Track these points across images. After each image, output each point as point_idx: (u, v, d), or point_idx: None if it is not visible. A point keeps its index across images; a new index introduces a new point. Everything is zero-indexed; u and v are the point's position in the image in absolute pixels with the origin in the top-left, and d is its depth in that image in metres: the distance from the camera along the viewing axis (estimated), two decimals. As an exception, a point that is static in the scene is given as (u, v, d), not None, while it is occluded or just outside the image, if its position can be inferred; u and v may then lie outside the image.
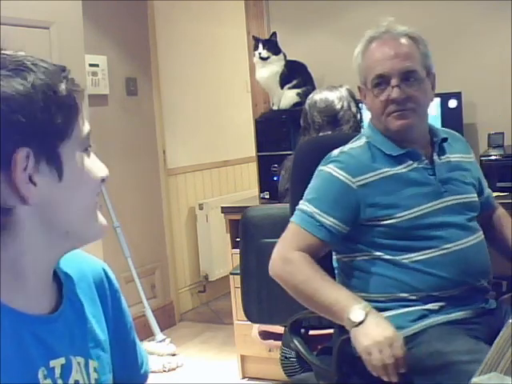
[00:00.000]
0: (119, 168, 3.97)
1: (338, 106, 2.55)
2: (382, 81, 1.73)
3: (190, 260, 4.67)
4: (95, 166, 0.98)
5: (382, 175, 1.73)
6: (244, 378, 3.35)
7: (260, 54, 3.35)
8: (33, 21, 3.12)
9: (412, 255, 1.70)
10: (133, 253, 3.85)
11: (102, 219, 0.96)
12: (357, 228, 1.73)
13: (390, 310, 1.69)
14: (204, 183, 4.83)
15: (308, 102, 2.64)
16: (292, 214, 1.81)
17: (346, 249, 1.79)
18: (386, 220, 1.70)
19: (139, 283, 3.84)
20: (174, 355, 3.67)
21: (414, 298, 1.69)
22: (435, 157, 1.79)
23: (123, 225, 3.82)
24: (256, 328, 2.91)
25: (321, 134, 2.55)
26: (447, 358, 1.55)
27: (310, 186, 1.78)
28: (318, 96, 2.60)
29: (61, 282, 0.97)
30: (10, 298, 0.87)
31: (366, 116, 3.10)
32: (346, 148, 1.81)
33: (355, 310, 1.55)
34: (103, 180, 0.99)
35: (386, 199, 1.71)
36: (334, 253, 1.85)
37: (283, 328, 2.46)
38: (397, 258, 1.70)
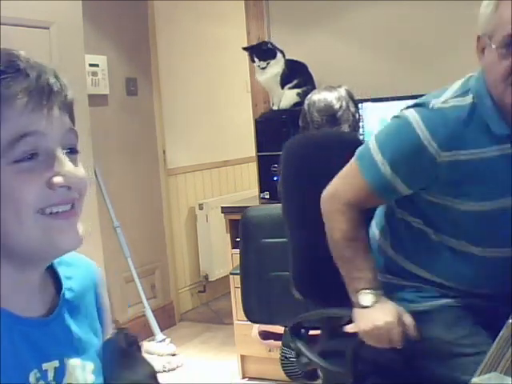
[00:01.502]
0: (119, 168, 3.97)
1: (337, 106, 2.55)
2: None
3: (190, 260, 4.67)
4: (29, 184, 0.83)
5: (474, 155, 1.49)
6: (244, 378, 3.35)
7: (259, 66, 3.36)
8: (33, 21, 3.12)
9: (467, 244, 1.58)
10: (133, 253, 3.85)
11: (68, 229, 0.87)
12: (422, 198, 1.58)
13: (406, 284, 1.66)
14: (204, 183, 4.83)
15: (307, 102, 2.64)
16: (284, 213, 1.79)
17: (405, 209, 1.67)
18: (459, 203, 1.53)
19: (139, 283, 3.84)
20: (174, 355, 3.67)
21: (440, 283, 1.62)
22: None
23: (123, 225, 3.82)
24: (256, 328, 2.92)
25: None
26: (446, 347, 1.55)
27: (390, 125, 1.59)
28: (317, 96, 2.60)
29: (59, 283, 0.95)
30: (3, 300, 0.85)
31: (365, 116, 3.13)
32: (448, 103, 1.52)
33: (366, 293, 1.56)
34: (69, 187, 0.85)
35: (469, 183, 1.50)
36: (397, 208, 1.70)
37: (283, 328, 2.46)
38: (449, 239, 1.59)
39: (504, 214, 1.52)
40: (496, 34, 1.44)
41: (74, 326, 0.95)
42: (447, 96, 1.54)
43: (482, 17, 1.49)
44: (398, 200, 1.65)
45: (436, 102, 1.53)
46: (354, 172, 1.61)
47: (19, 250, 0.85)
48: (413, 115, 1.52)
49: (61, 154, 0.85)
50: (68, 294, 0.96)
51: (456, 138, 1.48)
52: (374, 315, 1.54)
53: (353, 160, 1.62)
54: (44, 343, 0.88)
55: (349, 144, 1.95)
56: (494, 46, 1.44)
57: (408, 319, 1.54)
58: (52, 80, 0.85)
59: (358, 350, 1.65)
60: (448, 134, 1.48)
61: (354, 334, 1.67)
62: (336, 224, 1.63)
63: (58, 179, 0.83)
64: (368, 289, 1.57)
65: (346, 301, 1.78)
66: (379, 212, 1.77)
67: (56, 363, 0.89)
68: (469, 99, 1.51)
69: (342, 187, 1.63)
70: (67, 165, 0.85)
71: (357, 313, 1.58)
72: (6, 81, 0.81)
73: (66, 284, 0.96)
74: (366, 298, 1.56)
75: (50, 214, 0.84)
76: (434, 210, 1.58)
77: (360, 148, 1.63)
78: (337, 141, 2.04)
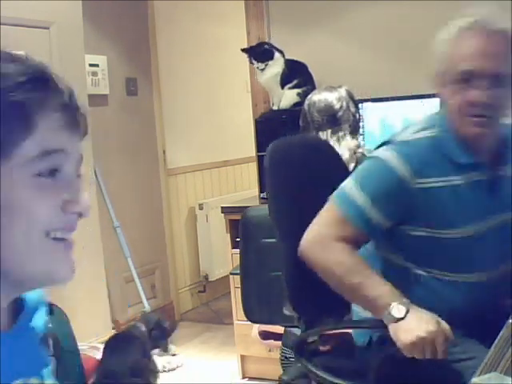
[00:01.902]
0: (119, 168, 3.97)
1: (337, 106, 2.56)
2: (466, 78, 1.53)
3: (190, 260, 4.67)
4: (43, 203, 0.78)
5: (444, 183, 1.59)
6: (244, 378, 3.35)
7: (257, 67, 3.37)
8: (33, 21, 3.12)
9: (439, 272, 1.63)
10: (133, 253, 3.85)
11: (65, 260, 0.82)
12: (396, 229, 1.64)
13: None
14: (204, 183, 4.83)
15: (307, 102, 2.65)
16: (272, 215, 1.78)
17: (385, 247, 1.71)
18: (433, 232, 1.60)
19: (139, 283, 3.84)
20: (174, 355, 3.67)
21: None
22: (498, 170, 1.64)
23: (123, 225, 3.82)
24: (256, 328, 2.92)
25: (320, 132, 2.56)
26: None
27: (365, 166, 1.66)
28: (317, 97, 2.61)
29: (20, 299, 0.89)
30: None
31: (365, 116, 3.13)
32: (415, 136, 1.63)
33: (396, 305, 1.50)
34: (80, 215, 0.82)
35: (442, 210, 1.59)
36: (377, 246, 1.75)
37: (283, 328, 2.47)
38: (423, 272, 1.64)
39: (482, 239, 1.59)
40: (450, 72, 1.55)
41: (34, 342, 0.89)
42: (415, 129, 1.64)
43: (438, 55, 1.59)
44: (379, 238, 1.68)
45: (405, 135, 1.64)
46: (333, 212, 1.63)
47: (16, 272, 0.80)
48: (387, 151, 1.60)
49: (78, 178, 0.83)
50: (27, 314, 0.89)
51: (427, 165, 1.57)
52: (413, 326, 1.47)
53: (329, 203, 1.64)
54: (9, 359, 0.81)
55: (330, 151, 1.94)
56: (449, 83, 1.56)
57: (445, 325, 1.49)
58: (79, 101, 0.83)
59: (382, 366, 1.59)
60: (420, 160, 1.57)
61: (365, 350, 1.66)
62: (332, 259, 1.60)
63: (74, 204, 0.81)
64: (396, 300, 1.52)
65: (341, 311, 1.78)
66: (361, 251, 1.76)
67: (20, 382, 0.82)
68: (434, 133, 1.62)
69: (324, 229, 1.63)
70: (82, 191, 0.82)
71: (393, 327, 1.50)
72: (40, 92, 0.79)
73: (27, 301, 0.90)
74: (397, 309, 1.50)
75: (53, 238, 0.80)
76: (414, 243, 1.63)
77: (335, 192, 1.65)
78: (323, 146, 2.03)
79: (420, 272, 1.64)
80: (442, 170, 1.59)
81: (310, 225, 1.64)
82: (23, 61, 0.81)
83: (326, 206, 1.65)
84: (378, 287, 1.55)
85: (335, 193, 1.64)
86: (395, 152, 1.59)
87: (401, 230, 1.63)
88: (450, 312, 1.58)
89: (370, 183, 1.61)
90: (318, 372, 1.74)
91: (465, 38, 1.55)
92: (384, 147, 1.63)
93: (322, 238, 1.62)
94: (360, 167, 1.67)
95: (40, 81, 0.79)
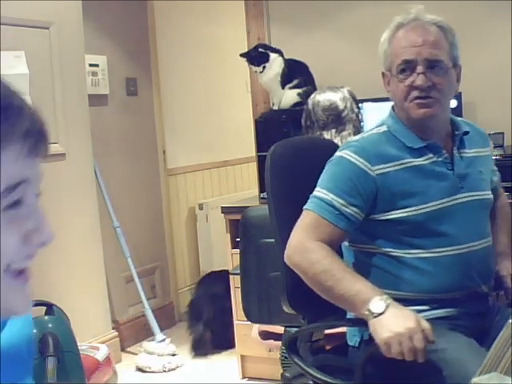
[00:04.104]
0: (119, 168, 3.97)
1: (342, 106, 2.58)
2: (407, 67, 1.71)
3: (189, 260, 4.67)
4: None
5: (401, 166, 1.70)
6: (244, 378, 3.35)
7: (256, 71, 3.38)
8: (33, 21, 3.12)
9: (421, 251, 1.68)
10: (133, 253, 3.85)
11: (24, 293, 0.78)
12: (368, 220, 1.70)
13: None
14: (204, 183, 4.83)
15: (310, 101, 2.65)
16: (274, 219, 1.78)
17: (354, 238, 1.76)
18: (402, 212, 1.68)
19: (139, 283, 3.84)
20: (174, 355, 3.67)
21: (412, 298, 1.67)
22: (455, 151, 1.76)
23: (123, 225, 3.82)
24: (256, 328, 2.91)
25: (325, 132, 2.56)
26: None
27: (325, 171, 1.74)
28: (322, 96, 2.62)
29: None
30: None
31: (365, 116, 3.13)
32: (365, 134, 1.80)
33: (376, 301, 1.50)
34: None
35: (404, 190, 1.68)
36: (354, 244, 1.80)
37: (283, 328, 2.47)
38: (405, 254, 1.68)
39: (451, 214, 1.70)
40: (393, 65, 1.75)
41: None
42: (364, 133, 1.83)
43: (382, 56, 1.81)
44: (354, 236, 1.73)
45: (356, 137, 1.82)
46: (308, 218, 1.69)
47: None
48: (342, 152, 1.73)
49: (40, 207, 0.77)
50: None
51: (381, 154, 1.71)
52: (393, 322, 1.46)
53: (303, 212, 1.70)
54: None
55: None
56: (393, 76, 1.75)
57: (425, 324, 1.48)
58: (44, 123, 0.77)
59: (367, 364, 1.59)
60: (373, 151, 1.71)
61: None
62: (312, 259, 1.62)
63: (38, 234, 0.76)
64: (375, 296, 1.52)
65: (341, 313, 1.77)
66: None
67: None
68: (383, 128, 1.78)
69: (301, 234, 1.67)
70: (45, 217, 0.77)
71: (373, 324, 1.50)
72: (4, 124, 0.72)
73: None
74: (376, 305, 1.50)
75: (13, 271, 0.75)
76: (387, 228, 1.69)
77: (307, 202, 1.71)
78: (323, 147, 2.03)
79: (400, 254, 1.69)
80: (397, 155, 1.71)
81: (290, 235, 1.68)
82: None
83: (301, 216, 1.70)
84: (357, 283, 1.57)
85: (307, 203, 1.71)
86: (348, 150, 1.72)
87: (373, 218, 1.70)
88: (439, 289, 1.66)
89: (335, 182, 1.69)
90: (311, 371, 1.74)
91: (400, 34, 1.75)
92: (341, 149, 1.75)
93: (301, 242, 1.66)
94: (322, 174, 1.74)
95: (2, 111, 0.72)
